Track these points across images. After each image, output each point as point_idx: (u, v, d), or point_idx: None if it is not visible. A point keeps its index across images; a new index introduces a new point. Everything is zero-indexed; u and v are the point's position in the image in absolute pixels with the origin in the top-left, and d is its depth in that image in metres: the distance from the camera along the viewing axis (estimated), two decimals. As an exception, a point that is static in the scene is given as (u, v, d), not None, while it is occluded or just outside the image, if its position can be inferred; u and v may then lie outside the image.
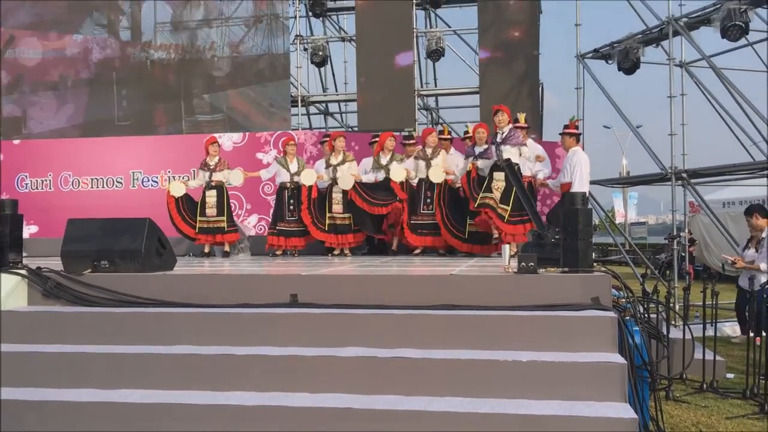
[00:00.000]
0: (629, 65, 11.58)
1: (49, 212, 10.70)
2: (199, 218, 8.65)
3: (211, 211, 8.67)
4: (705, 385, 5.98)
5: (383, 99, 12.90)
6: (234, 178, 8.84)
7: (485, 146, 7.59)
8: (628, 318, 4.53)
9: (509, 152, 7.36)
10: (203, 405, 3.83)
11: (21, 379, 4.22)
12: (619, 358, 3.91)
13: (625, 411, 3.59)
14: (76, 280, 4.94)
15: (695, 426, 5.06)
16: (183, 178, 9.90)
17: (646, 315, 5.62)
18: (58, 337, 4.54)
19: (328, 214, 8.40)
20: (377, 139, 8.87)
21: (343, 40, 16.24)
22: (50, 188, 11.32)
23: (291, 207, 8.60)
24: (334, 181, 8.42)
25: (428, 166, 8.08)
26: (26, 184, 11.37)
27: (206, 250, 8.76)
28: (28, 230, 10.63)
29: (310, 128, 16.00)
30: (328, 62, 15.35)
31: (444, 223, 7.79)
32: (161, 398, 3.93)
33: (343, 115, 17.31)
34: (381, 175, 8.44)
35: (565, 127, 7.94)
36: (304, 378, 3.99)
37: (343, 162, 8.47)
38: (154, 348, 4.32)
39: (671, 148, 10.80)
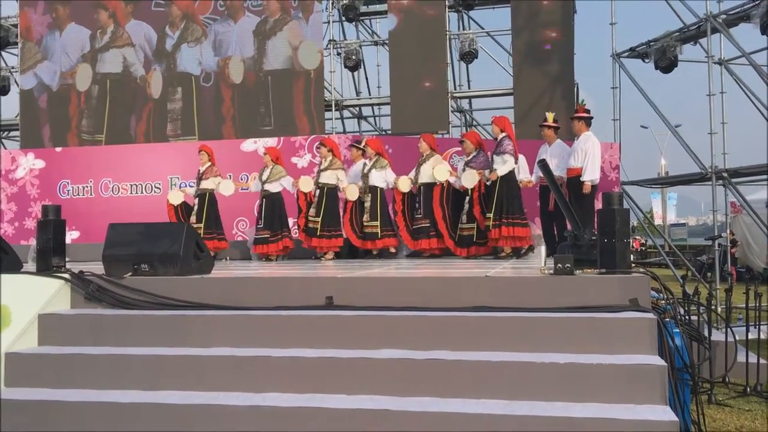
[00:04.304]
0: (666, 64, 11.42)
1: (90, 218, 10.94)
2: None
3: (193, 218, 8.72)
4: (748, 389, 5.84)
5: (416, 102, 12.91)
6: (224, 188, 8.83)
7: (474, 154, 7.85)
8: (668, 320, 4.46)
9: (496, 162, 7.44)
10: (242, 406, 3.87)
11: (64, 381, 4.33)
12: (658, 360, 3.84)
13: (665, 414, 3.51)
14: (116, 284, 5.04)
15: (738, 430, 4.95)
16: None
17: (686, 317, 5.52)
18: (100, 339, 4.64)
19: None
20: (357, 145, 8.74)
21: (376, 44, 16.33)
22: (91, 194, 11.55)
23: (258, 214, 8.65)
24: (317, 186, 8.38)
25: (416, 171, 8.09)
26: (68, 190, 11.63)
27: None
28: (70, 236, 10.85)
29: (344, 132, 16.08)
30: (362, 66, 15.42)
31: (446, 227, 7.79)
32: (201, 399, 3.98)
33: (377, 118, 17.38)
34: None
35: (575, 111, 7.89)
36: (341, 380, 4.01)
37: (327, 168, 8.37)
38: (192, 350, 4.38)
39: (711, 147, 10.61)
